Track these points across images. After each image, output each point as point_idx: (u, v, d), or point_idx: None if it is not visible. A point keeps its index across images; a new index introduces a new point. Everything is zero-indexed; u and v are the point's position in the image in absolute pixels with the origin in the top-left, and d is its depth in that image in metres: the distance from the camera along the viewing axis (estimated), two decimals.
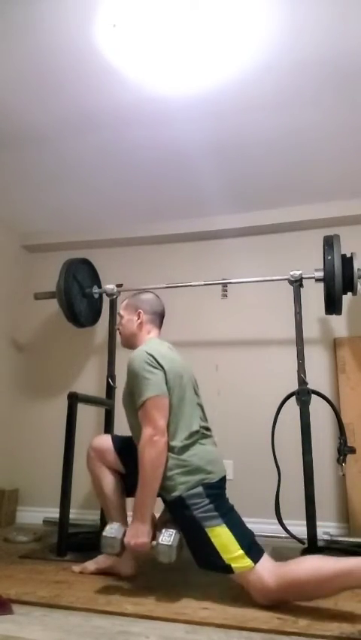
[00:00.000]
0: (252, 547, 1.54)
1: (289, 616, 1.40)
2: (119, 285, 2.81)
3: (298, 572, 1.46)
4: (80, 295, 2.86)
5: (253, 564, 1.49)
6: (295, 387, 2.22)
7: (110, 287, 2.81)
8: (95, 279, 3.03)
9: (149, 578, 1.78)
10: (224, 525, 1.55)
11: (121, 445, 1.88)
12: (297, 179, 2.71)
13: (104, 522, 2.41)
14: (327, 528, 2.40)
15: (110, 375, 2.69)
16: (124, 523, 1.77)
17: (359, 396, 2.66)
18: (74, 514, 2.40)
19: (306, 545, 2.08)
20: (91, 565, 1.85)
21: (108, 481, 1.86)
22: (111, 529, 1.64)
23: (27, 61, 1.89)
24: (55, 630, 1.33)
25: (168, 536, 1.56)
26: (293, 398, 2.24)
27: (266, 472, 2.30)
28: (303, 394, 2.18)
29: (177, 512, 1.63)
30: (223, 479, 1.71)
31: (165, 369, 1.72)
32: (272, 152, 2.46)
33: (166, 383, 1.70)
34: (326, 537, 2.31)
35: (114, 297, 2.82)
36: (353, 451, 2.23)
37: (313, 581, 1.43)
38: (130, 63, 1.89)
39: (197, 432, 1.73)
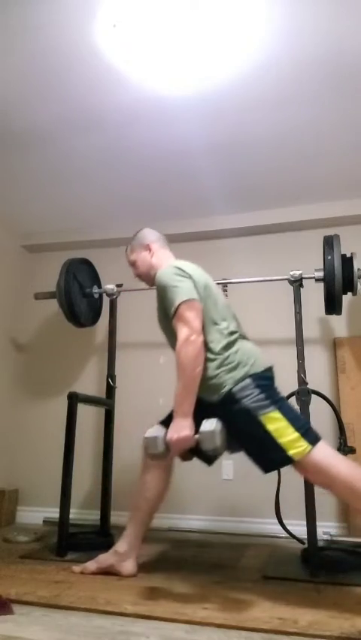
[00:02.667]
0: (308, 431, 1.55)
1: (289, 616, 1.40)
2: (119, 285, 2.81)
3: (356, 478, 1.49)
4: (80, 295, 2.86)
5: (310, 446, 1.51)
6: (295, 387, 2.22)
7: (110, 287, 2.81)
8: (95, 279, 3.02)
9: (149, 578, 1.78)
10: (277, 410, 1.56)
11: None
12: (297, 179, 2.71)
13: (104, 522, 2.42)
14: (327, 528, 2.40)
15: (110, 375, 2.69)
16: (140, 530, 1.83)
17: (359, 396, 2.66)
18: (74, 514, 2.40)
19: (306, 545, 2.08)
20: (91, 565, 1.84)
21: (151, 492, 1.84)
22: (152, 430, 1.59)
23: (28, 61, 1.89)
24: (55, 630, 1.33)
25: (209, 424, 1.51)
26: (293, 398, 2.23)
27: None
28: (303, 394, 2.18)
29: (229, 409, 1.60)
30: (270, 369, 1.71)
31: (194, 278, 1.72)
32: (272, 151, 2.46)
33: (196, 290, 1.70)
34: (326, 537, 2.31)
35: (114, 297, 2.82)
36: (353, 451, 2.23)
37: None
38: (130, 63, 1.89)
39: (234, 332, 1.74)
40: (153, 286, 1.87)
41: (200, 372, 1.59)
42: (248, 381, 1.60)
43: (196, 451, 1.64)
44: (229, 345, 1.68)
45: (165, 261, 1.90)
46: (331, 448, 1.57)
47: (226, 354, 1.66)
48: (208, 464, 1.80)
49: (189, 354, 1.58)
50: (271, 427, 1.53)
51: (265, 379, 1.65)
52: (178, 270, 1.72)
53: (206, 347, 1.63)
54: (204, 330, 1.66)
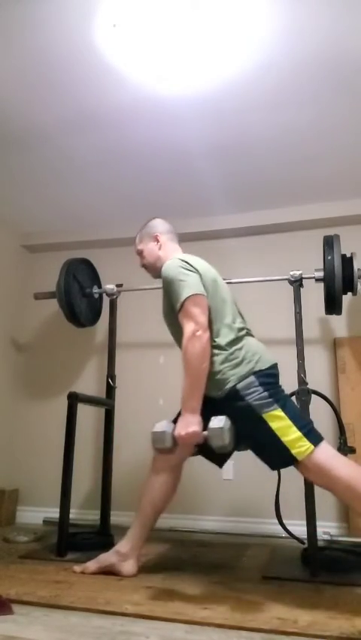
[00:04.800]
0: (310, 431, 1.55)
1: (289, 616, 1.40)
2: (119, 285, 2.81)
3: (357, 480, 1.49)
4: (80, 295, 2.86)
5: (312, 446, 1.51)
6: (295, 387, 2.22)
7: (110, 287, 2.81)
8: (95, 279, 3.02)
9: (149, 578, 1.78)
10: (280, 409, 1.55)
11: None
12: (297, 179, 2.71)
13: (104, 522, 2.42)
14: (327, 528, 2.40)
15: (110, 375, 2.69)
16: (143, 532, 1.82)
17: (359, 396, 2.66)
18: (74, 514, 2.40)
19: (306, 545, 2.08)
20: (92, 565, 1.84)
21: (156, 493, 1.82)
22: (160, 425, 1.60)
23: (28, 61, 1.89)
24: (55, 630, 1.33)
25: (218, 421, 1.51)
26: (293, 398, 2.23)
27: (266, 472, 2.30)
28: (303, 394, 2.17)
29: (232, 405, 1.59)
30: (274, 367, 1.70)
31: (200, 272, 1.71)
32: (272, 151, 2.46)
33: (203, 285, 1.69)
34: (326, 537, 2.31)
35: (114, 297, 2.82)
36: (353, 451, 2.23)
37: None
38: (130, 63, 1.89)
39: (241, 328, 1.73)
40: (158, 277, 1.85)
41: (206, 368, 1.58)
42: (252, 378, 1.60)
43: (205, 451, 1.63)
44: (234, 341, 1.67)
45: (171, 254, 1.88)
46: (333, 449, 1.57)
47: (231, 349, 1.64)
48: (219, 465, 1.81)
49: (195, 350, 1.57)
50: (274, 425, 1.53)
51: (269, 377, 1.64)
52: (185, 264, 1.71)
53: (211, 342, 1.63)
54: (210, 325, 1.65)
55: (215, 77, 1.97)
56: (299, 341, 2.30)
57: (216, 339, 1.65)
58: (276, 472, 2.21)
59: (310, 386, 2.21)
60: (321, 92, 2.04)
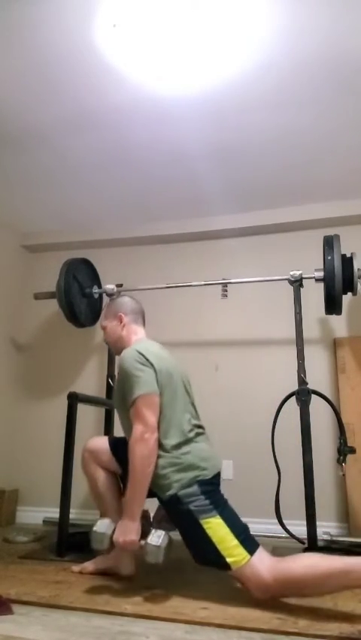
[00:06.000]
0: (247, 539, 1.55)
1: (289, 616, 1.40)
2: (119, 285, 2.81)
3: (295, 568, 1.46)
4: (80, 295, 2.86)
5: (248, 555, 1.50)
6: (295, 387, 2.22)
7: (110, 287, 2.81)
8: (95, 279, 3.03)
9: (149, 578, 1.78)
10: (218, 517, 1.56)
11: (117, 445, 1.88)
12: (297, 179, 2.71)
13: None
14: (327, 528, 2.39)
15: (110, 375, 2.69)
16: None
17: (359, 396, 2.66)
18: (74, 514, 2.40)
19: (306, 545, 2.08)
20: (90, 565, 1.85)
21: (103, 480, 1.86)
22: (102, 525, 1.64)
23: (27, 61, 1.89)
24: (55, 630, 1.33)
25: (157, 537, 1.56)
26: (293, 398, 2.24)
27: (266, 472, 2.30)
28: (303, 394, 2.18)
29: (173, 509, 1.63)
30: (217, 475, 1.72)
31: (156, 368, 1.71)
32: (272, 152, 2.46)
33: (157, 381, 1.70)
34: (326, 537, 2.30)
35: (114, 297, 2.82)
36: (353, 451, 2.23)
37: (310, 578, 1.43)
38: (130, 63, 1.89)
39: (190, 430, 1.73)
40: (119, 355, 1.88)
41: (151, 472, 1.60)
42: (195, 487, 1.61)
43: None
44: (181, 445, 1.68)
45: (133, 336, 1.93)
46: (270, 556, 1.53)
47: (177, 453, 1.66)
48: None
49: (142, 453, 1.59)
50: (210, 532, 1.54)
51: (212, 485, 1.66)
52: (141, 357, 1.72)
53: (159, 442, 1.64)
54: (159, 424, 1.66)
55: (215, 77, 1.97)
56: (299, 341, 2.30)
57: (162, 440, 1.66)
58: (276, 472, 2.22)
59: (310, 386, 2.22)
60: (321, 93, 2.04)
